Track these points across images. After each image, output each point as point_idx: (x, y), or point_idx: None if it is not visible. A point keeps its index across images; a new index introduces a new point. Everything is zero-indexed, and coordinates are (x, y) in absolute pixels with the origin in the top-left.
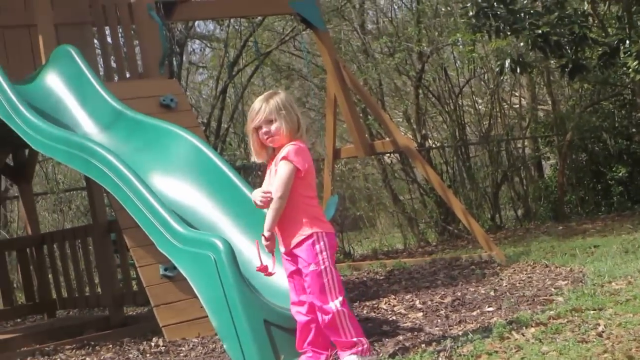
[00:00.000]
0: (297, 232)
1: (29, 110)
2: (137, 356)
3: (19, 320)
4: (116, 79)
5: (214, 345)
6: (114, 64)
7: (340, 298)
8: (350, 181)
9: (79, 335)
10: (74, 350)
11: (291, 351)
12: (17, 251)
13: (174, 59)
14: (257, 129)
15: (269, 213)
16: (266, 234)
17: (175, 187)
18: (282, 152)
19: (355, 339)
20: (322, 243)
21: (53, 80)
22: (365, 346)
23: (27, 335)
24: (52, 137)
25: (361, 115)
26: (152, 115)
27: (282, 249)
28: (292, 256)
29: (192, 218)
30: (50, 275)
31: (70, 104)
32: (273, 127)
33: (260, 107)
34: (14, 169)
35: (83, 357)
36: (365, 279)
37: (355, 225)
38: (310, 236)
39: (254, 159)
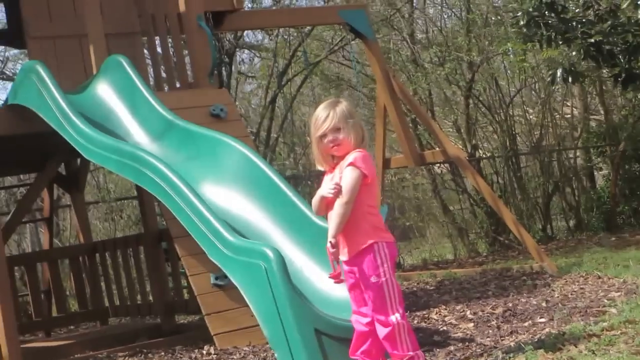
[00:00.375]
0: (359, 241)
1: (81, 119)
2: None
3: (72, 327)
4: (166, 88)
5: (265, 354)
6: (164, 74)
7: (401, 311)
8: (399, 191)
9: (131, 342)
10: (127, 358)
11: None
12: (70, 259)
13: (223, 68)
14: (322, 137)
15: (334, 219)
16: (332, 240)
17: (225, 197)
18: (348, 159)
19: (411, 353)
20: (383, 254)
21: (104, 90)
22: (422, 356)
23: (81, 342)
24: (104, 147)
25: (411, 125)
26: (202, 125)
27: (343, 258)
28: (353, 265)
29: (243, 227)
30: (102, 283)
31: (121, 114)
32: (340, 135)
33: (327, 115)
34: (66, 178)
35: None
36: (415, 289)
37: (404, 236)
38: (371, 246)
39: (322, 167)
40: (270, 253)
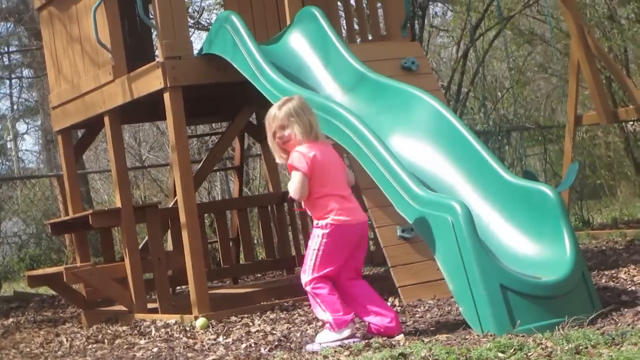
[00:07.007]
0: (315, 220)
1: (274, 70)
2: None
3: (259, 275)
4: (358, 40)
5: (449, 308)
6: (356, 26)
7: (313, 278)
8: (591, 149)
9: None
10: (311, 307)
11: (527, 317)
12: (259, 208)
13: (416, 21)
14: (273, 135)
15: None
16: None
17: (415, 150)
18: (289, 159)
19: (327, 318)
20: (326, 231)
21: (297, 41)
22: (338, 321)
23: (267, 290)
24: None
25: (604, 82)
26: (393, 77)
27: None
28: None
29: (431, 181)
30: (290, 233)
31: (313, 65)
32: (285, 132)
33: (274, 115)
34: (257, 128)
35: None
36: (604, 247)
37: (595, 194)
38: (319, 226)
39: (278, 160)
40: (457, 207)
